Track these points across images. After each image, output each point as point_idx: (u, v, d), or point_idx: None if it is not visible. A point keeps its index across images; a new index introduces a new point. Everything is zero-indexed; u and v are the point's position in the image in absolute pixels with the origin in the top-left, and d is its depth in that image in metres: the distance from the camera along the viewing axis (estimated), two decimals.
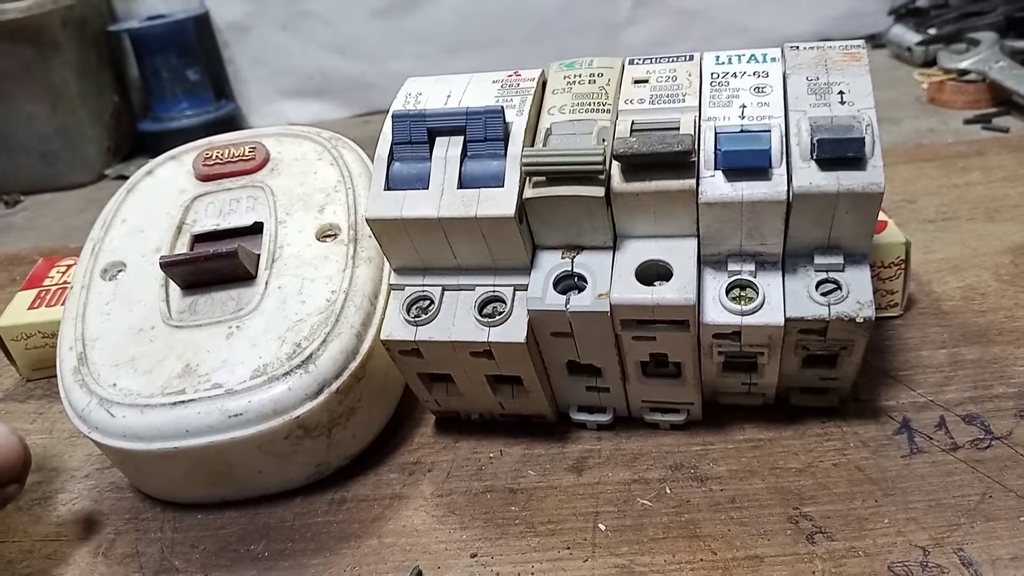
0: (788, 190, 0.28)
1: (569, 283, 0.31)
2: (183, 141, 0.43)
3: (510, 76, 0.33)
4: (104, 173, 0.84)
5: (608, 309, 0.29)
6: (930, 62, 0.76)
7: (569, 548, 0.30)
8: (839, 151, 0.28)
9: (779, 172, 0.28)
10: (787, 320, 0.29)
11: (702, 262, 0.31)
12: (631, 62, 0.33)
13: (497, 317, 0.31)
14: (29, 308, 0.45)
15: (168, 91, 0.87)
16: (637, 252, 0.31)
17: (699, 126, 0.30)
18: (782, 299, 0.30)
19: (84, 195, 0.82)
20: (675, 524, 0.30)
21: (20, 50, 0.77)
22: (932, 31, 0.78)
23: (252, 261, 0.36)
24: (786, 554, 0.28)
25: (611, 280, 0.30)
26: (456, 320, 0.31)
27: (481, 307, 0.31)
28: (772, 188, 0.28)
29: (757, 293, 0.30)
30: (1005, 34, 0.70)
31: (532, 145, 0.31)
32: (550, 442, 0.35)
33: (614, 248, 0.31)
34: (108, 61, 0.87)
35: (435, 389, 0.35)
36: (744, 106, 0.30)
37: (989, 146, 0.59)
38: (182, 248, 0.37)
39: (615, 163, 0.29)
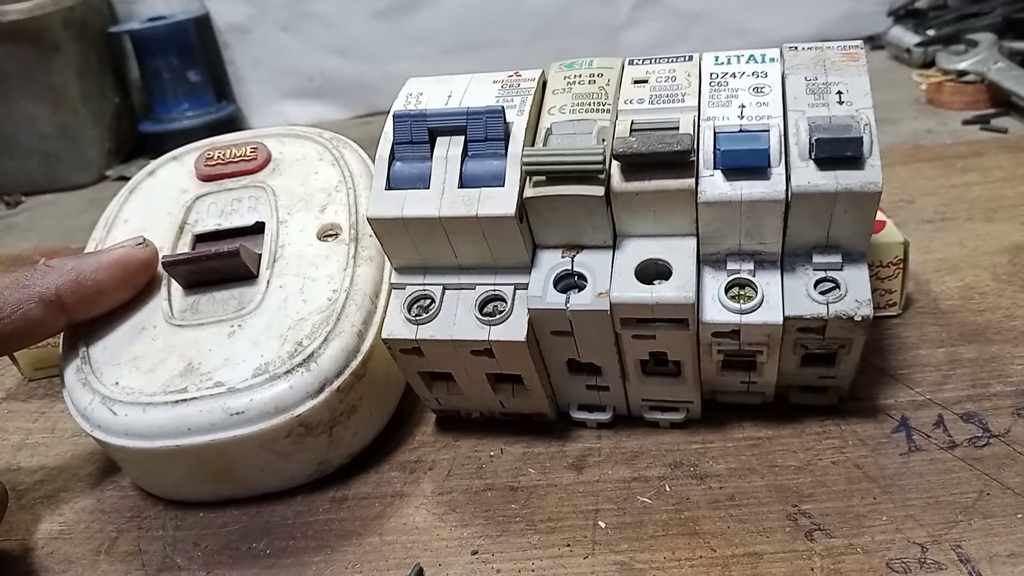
0: (787, 189, 0.28)
1: (569, 282, 0.31)
2: (184, 142, 0.43)
3: (510, 76, 0.33)
4: (105, 174, 0.85)
5: (608, 308, 0.30)
6: (929, 63, 0.76)
7: (569, 545, 0.30)
8: (837, 150, 0.28)
9: (778, 171, 0.29)
10: (786, 318, 0.29)
11: (701, 261, 0.31)
12: (631, 62, 0.33)
13: (497, 316, 0.31)
14: None
15: (169, 92, 0.88)
16: (637, 251, 0.31)
17: (698, 126, 0.30)
18: (781, 298, 0.30)
19: (85, 196, 0.82)
20: (675, 521, 0.30)
21: (21, 51, 0.77)
22: (931, 32, 0.78)
23: (254, 260, 0.36)
24: (785, 551, 0.28)
25: (611, 279, 0.30)
26: (457, 319, 0.31)
27: (482, 306, 0.32)
28: (771, 187, 0.28)
29: (756, 292, 0.30)
30: (1003, 35, 0.70)
31: (532, 145, 0.31)
32: (550, 440, 0.35)
33: (614, 247, 0.31)
34: (109, 62, 0.87)
35: (436, 388, 0.35)
36: (743, 106, 0.30)
37: (987, 147, 0.59)
38: (184, 248, 0.37)
39: (615, 163, 0.30)
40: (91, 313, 0.34)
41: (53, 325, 0.33)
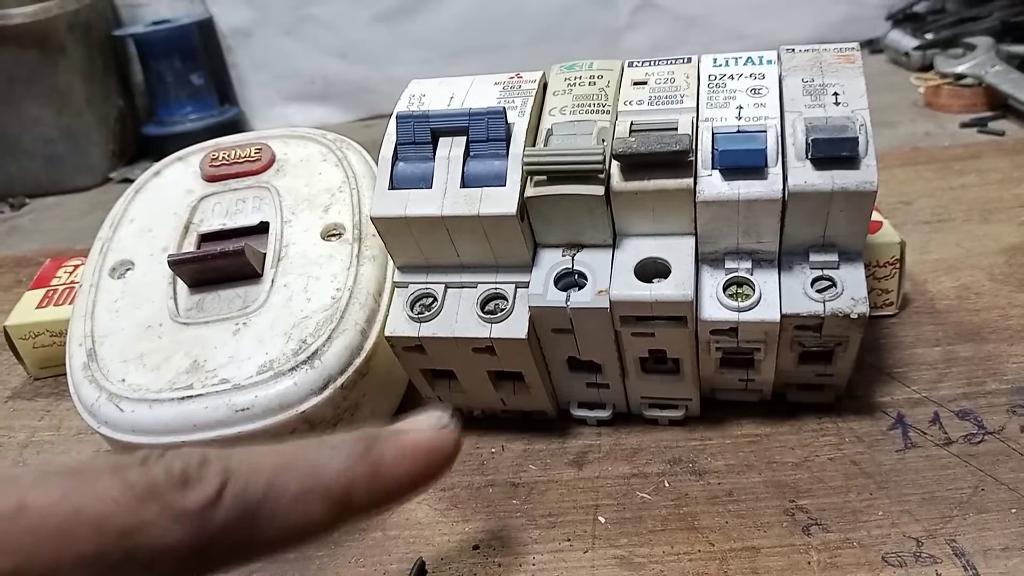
0: (784, 189, 0.29)
1: (569, 280, 0.31)
2: (187, 145, 0.44)
3: (512, 78, 0.34)
4: (109, 177, 0.85)
5: (608, 305, 0.30)
6: (927, 67, 0.77)
7: (569, 540, 0.30)
8: (833, 150, 0.28)
9: (775, 171, 0.29)
10: (783, 316, 0.30)
11: (700, 260, 0.31)
12: (630, 64, 0.34)
13: (499, 314, 0.31)
14: (37, 307, 0.45)
15: (172, 95, 0.88)
16: (636, 250, 0.31)
17: (697, 126, 0.31)
18: (778, 296, 0.30)
19: (89, 198, 0.82)
20: (673, 517, 0.31)
21: (26, 54, 0.77)
22: (929, 36, 0.78)
23: (258, 259, 0.37)
24: (782, 545, 0.29)
25: (611, 277, 0.31)
26: (459, 317, 0.32)
27: (483, 304, 0.32)
28: (768, 187, 0.29)
29: (754, 290, 0.30)
30: (1001, 39, 0.71)
31: (533, 145, 0.32)
32: (551, 437, 0.36)
33: (613, 246, 0.32)
34: (113, 66, 0.88)
35: (438, 385, 0.35)
36: (741, 107, 0.31)
37: (985, 149, 0.59)
38: (189, 247, 0.38)
39: (615, 162, 0.30)
40: (368, 518, 0.22)
41: (325, 532, 0.21)
